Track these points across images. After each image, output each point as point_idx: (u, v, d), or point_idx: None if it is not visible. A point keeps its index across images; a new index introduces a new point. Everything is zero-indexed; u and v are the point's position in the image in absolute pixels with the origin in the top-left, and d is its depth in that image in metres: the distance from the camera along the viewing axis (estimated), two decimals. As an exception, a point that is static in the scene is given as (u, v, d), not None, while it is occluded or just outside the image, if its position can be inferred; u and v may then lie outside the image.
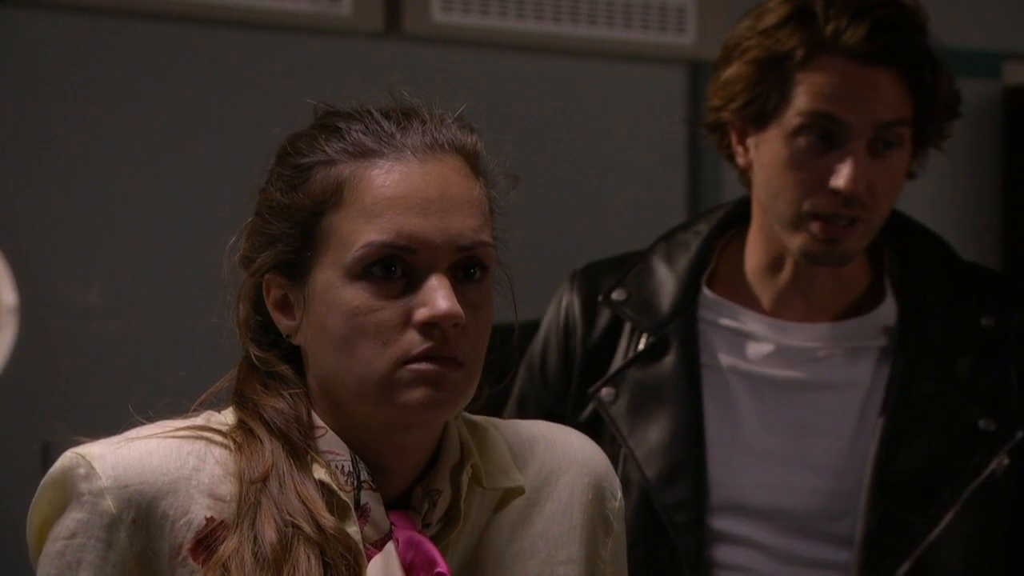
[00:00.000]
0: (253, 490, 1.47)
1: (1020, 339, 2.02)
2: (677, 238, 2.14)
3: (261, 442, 1.49)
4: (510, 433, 1.61)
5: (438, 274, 1.50)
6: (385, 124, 1.56)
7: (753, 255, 2.06)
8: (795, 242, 1.97)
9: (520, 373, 2.17)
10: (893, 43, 1.95)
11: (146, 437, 1.50)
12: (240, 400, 1.53)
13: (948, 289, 2.04)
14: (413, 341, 1.47)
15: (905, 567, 1.92)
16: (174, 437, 1.50)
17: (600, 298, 2.12)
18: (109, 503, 1.47)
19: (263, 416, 1.50)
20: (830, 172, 1.93)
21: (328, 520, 1.45)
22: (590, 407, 2.08)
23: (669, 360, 2.04)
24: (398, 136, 1.55)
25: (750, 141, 2.01)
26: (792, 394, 2.00)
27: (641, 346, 2.07)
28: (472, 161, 1.61)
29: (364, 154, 1.53)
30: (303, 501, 1.45)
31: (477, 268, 1.53)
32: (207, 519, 1.47)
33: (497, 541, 1.55)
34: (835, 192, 1.93)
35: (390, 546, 1.47)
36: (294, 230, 1.52)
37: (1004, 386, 1.99)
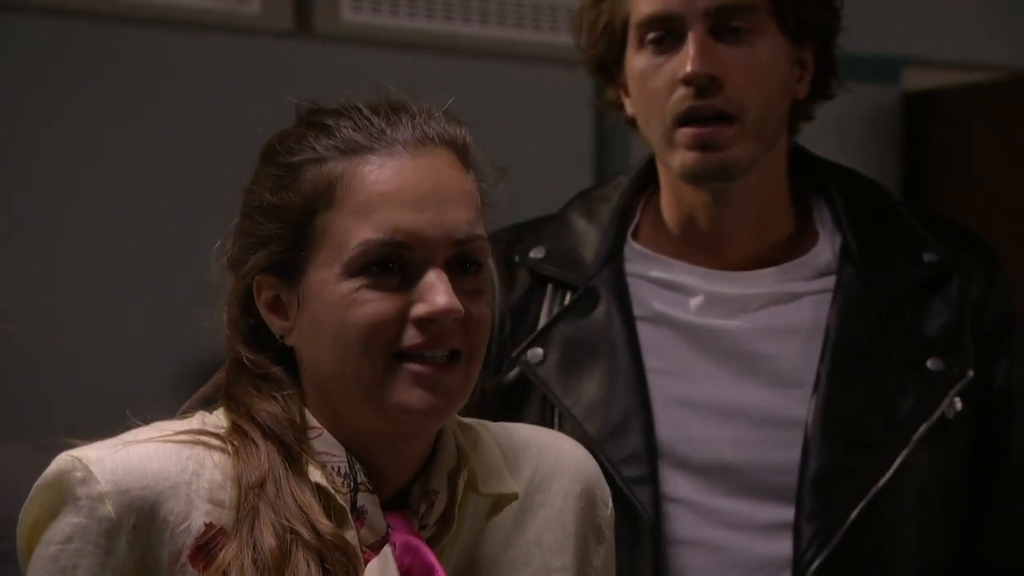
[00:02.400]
0: (251, 495, 1.45)
1: (968, 277, 1.95)
2: (594, 194, 2.07)
3: (256, 446, 1.47)
4: (502, 437, 1.59)
5: (436, 269, 1.48)
6: (374, 120, 1.57)
7: (668, 208, 1.98)
8: (674, 161, 1.89)
9: None
10: None
11: (144, 441, 1.48)
12: (231, 403, 1.51)
13: (885, 228, 1.96)
14: (409, 335, 1.46)
15: (855, 513, 1.84)
16: (173, 441, 1.48)
17: (517, 259, 2.04)
18: (109, 508, 1.45)
19: (256, 419, 1.48)
20: (679, 69, 1.86)
21: (326, 526, 1.43)
22: (515, 371, 1.97)
23: (600, 312, 1.95)
24: (388, 131, 1.55)
25: (625, 82, 1.95)
26: (729, 343, 1.91)
27: (567, 301, 1.99)
28: (462, 154, 1.62)
29: (355, 150, 1.52)
30: (300, 506, 1.44)
31: (472, 263, 1.52)
32: (206, 525, 1.45)
33: (491, 548, 1.53)
34: (685, 83, 1.85)
35: (387, 550, 1.46)
36: (285, 230, 1.51)
37: (953, 326, 1.92)
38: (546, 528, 1.56)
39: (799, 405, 1.88)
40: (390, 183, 1.50)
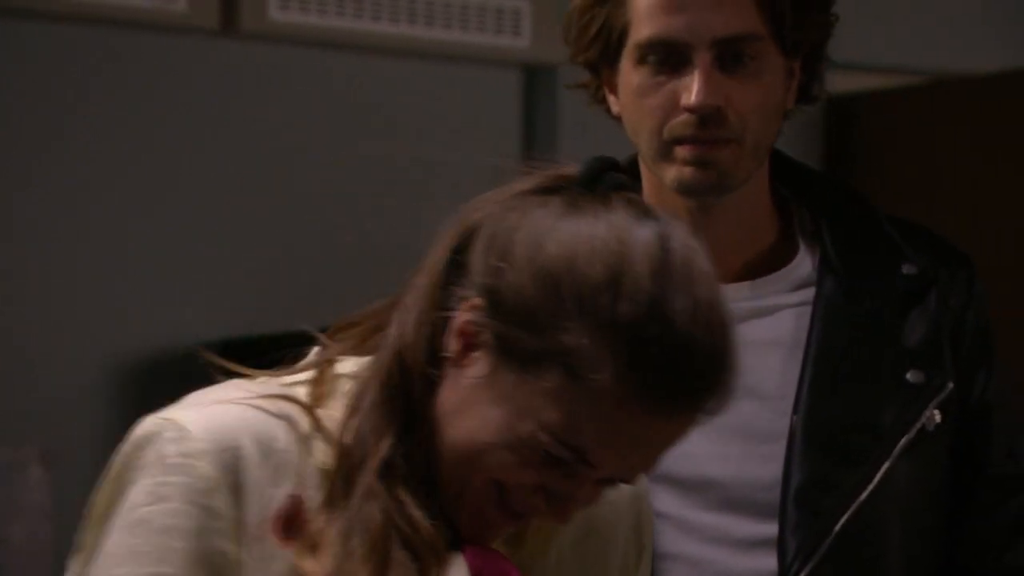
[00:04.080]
0: (351, 475, 1.39)
1: (948, 289, 1.94)
2: None
3: (376, 432, 1.41)
4: None
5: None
6: None
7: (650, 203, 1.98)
8: (669, 175, 1.85)
9: None
10: None
11: (235, 402, 1.42)
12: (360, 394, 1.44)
13: (865, 239, 1.94)
14: None
15: (839, 526, 1.83)
16: (262, 408, 1.42)
17: None
18: (207, 466, 1.39)
19: (383, 413, 1.43)
20: (681, 93, 1.83)
21: (422, 519, 1.39)
22: None
23: None
24: None
25: (616, 84, 1.90)
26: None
27: None
28: None
29: None
30: (398, 497, 1.39)
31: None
32: (292, 496, 1.39)
33: (558, 558, 1.51)
34: (689, 112, 1.82)
35: (460, 558, 1.42)
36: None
37: (932, 338, 1.91)
38: (603, 540, 1.55)
39: (781, 418, 1.87)
40: None
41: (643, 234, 1.40)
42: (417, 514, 1.39)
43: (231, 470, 1.39)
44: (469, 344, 1.42)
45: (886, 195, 3.94)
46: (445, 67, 3.80)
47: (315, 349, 1.52)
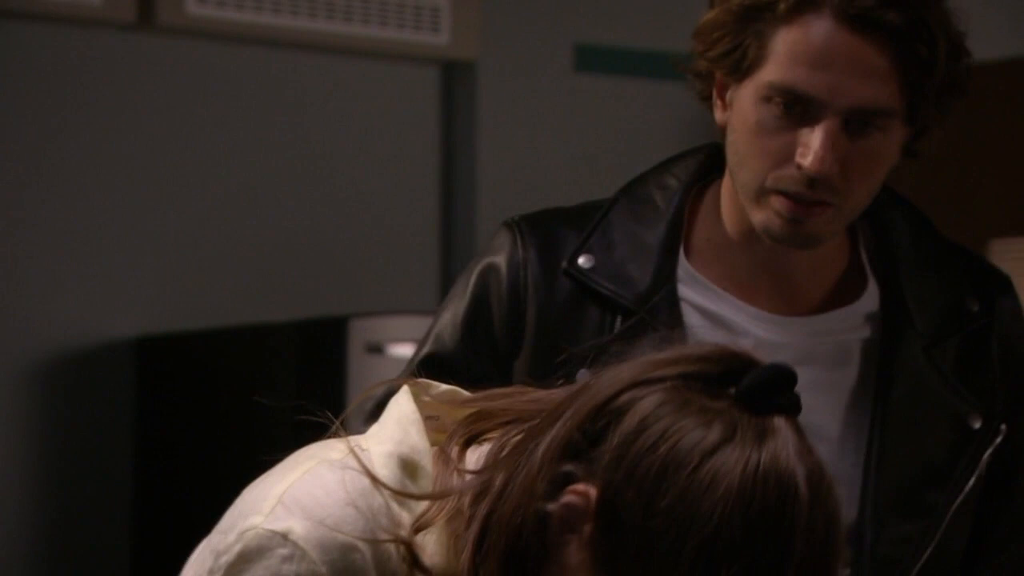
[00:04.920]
0: None
1: (1004, 325, 1.87)
2: (640, 194, 1.87)
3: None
4: None
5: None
6: None
7: (727, 222, 1.84)
8: (757, 217, 1.77)
9: (434, 336, 1.87)
10: (887, 5, 1.73)
11: (344, 505, 1.34)
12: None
13: (932, 269, 1.86)
14: None
15: None
16: (372, 518, 1.34)
17: (565, 263, 1.83)
18: None
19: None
20: (798, 146, 1.73)
21: None
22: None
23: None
24: None
25: (729, 95, 1.79)
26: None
27: (617, 324, 1.81)
28: None
29: None
30: None
31: None
32: None
33: None
34: (800, 169, 1.73)
35: None
36: None
37: (988, 378, 1.85)
38: None
39: (846, 462, 1.81)
40: None
41: (795, 496, 1.27)
42: None
43: None
44: (568, 525, 1.32)
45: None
46: (364, 63, 3.80)
47: (398, 402, 1.41)
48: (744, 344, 1.60)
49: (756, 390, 1.30)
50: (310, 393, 3.29)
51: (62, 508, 3.56)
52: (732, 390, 1.30)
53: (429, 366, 1.81)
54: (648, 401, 1.30)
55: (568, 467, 1.30)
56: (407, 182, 3.85)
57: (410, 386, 1.42)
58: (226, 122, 3.72)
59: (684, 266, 1.84)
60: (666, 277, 1.82)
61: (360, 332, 3.26)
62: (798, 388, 1.32)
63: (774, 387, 1.31)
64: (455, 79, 3.85)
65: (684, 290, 1.83)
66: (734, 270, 1.83)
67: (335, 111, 3.80)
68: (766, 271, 1.82)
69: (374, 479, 1.34)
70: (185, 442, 3.51)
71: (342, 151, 3.81)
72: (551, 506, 1.29)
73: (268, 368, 3.42)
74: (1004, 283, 1.90)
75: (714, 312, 1.83)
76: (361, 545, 1.32)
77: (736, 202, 1.80)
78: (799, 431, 1.30)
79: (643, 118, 3.99)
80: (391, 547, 1.33)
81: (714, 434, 1.28)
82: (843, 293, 1.85)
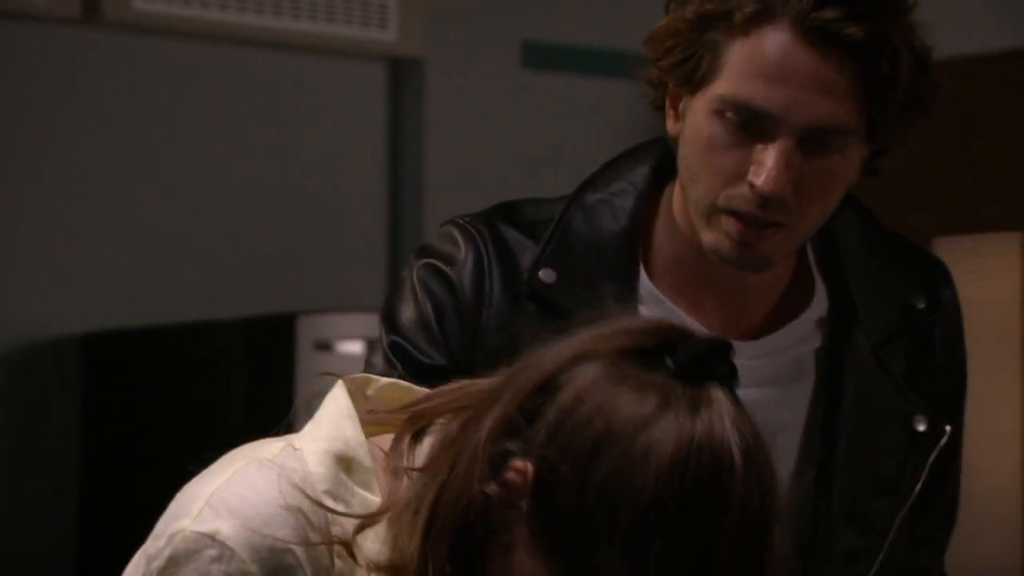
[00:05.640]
0: None
1: (945, 320, 1.82)
2: (593, 200, 1.79)
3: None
4: None
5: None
6: None
7: (680, 235, 1.76)
8: (707, 237, 1.69)
9: (393, 324, 1.78)
10: (848, 18, 1.64)
11: (276, 507, 1.33)
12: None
13: (877, 266, 1.80)
14: None
15: None
16: (303, 513, 1.34)
17: (526, 275, 1.76)
18: None
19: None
20: (752, 163, 1.65)
21: None
22: None
23: None
24: None
25: (681, 106, 1.71)
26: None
27: None
28: None
29: None
30: None
31: None
32: None
33: None
34: (752, 187, 1.65)
35: None
36: None
37: (933, 377, 1.80)
38: None
39: (804, 481, 1.77)
40: None
41: (729, 467, 1.26)
42: None
43: None
44: (508, 503, 1.31)
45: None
46: (311, 59, 3.79)
47: (334, 398, 1.40)
48: None
49: (691, 361, 1.29)
50: (258, 390, 3.28)
51: (7, 507, 3.54)
52: (668, 362, 1.29)
53: (396, 351, 1.76)
54: (584, 376, 1.29)
55: (508, 446, 1.29)
56: (355, 179, 3.84)
57: (349, 381, 1.41)
58: (171, 119, 3.70)
59: (645, 284, 1.78)
60: (628, 295, 1.76)
61: (308, 329, 3.26)
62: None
63: (709, 357, 1.30)
64: (402, 76, 3.85)
65: (646, 310, 1.77)
66: (688, 286, 1.78)
67: (281, 108, 3.79)
68: (718, 287, 1.76)
69: (304, 493, 1.33)
70: (132, 439, 3.50)
71: (289, 148, 3.80)
72: (492, 486, 1.29)
73: (216, 365, 3.41)
74: (945, 274, 1.85)
75: None
76: (291, 543, 1.32)
77: (688, 215, 1.74)
78: (736, 401, 1.29)
79: (592, 116, 3.99)
80: (324, 549, 1.32)
81: (648, 406, 1.27)
82: (793, 301, 1.80)
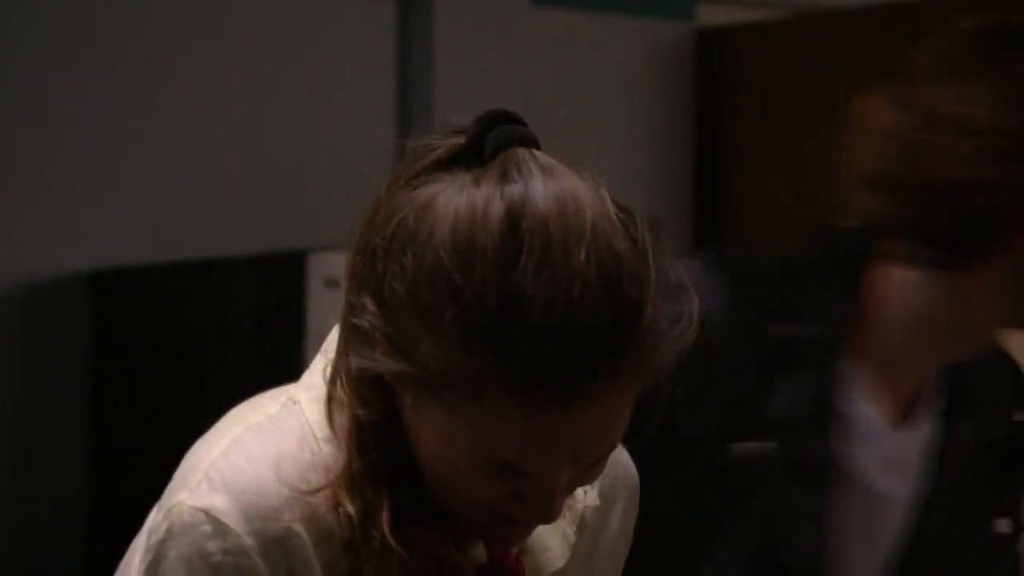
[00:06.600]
0: (377, 535, 1.32)
1: None
2: (814, 280, 1.78)
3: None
4: None
5: None
6: None
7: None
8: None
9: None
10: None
11: (271, 479, 1.33)
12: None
13: (989, 373, 1.85)
14: None
15: None
16: (297, 481, 1.33)
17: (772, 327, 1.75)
18: (257, 561, 1.31)
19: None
20: None
21: (445, 554, 1.33)
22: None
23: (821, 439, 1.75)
24: None
25: None
26: (894, 511, 1.80)
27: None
28: None
29: None
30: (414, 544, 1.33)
31: None
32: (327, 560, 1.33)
33: (575, 564, 1.44)
34: None
35: None
36: None
37: (1019, 483, 1.86)
38: (610, 548, 1.48)
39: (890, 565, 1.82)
40: None
41: (492, 220, 1.27)
42: (439, 551, 1.33)
43: (281, 557, 1.32)
44: (370, 342, 1.32)
45: (756, 128, 3.97)
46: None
47: (331, 341, 1.39)
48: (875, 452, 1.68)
49: (473, 139, 1.32)
50: (269, 327, 3.29)
51: (18, 446, 3.56)
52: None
53: None
54: (393, 196, 1.33)
55: (362, 299, 1.31)
56: (364, 117, 3.84)
57: None
58: (181, 55, 3.70)
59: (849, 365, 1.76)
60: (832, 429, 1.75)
61: (319, 266, 3.26)
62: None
63: (488, 125, 1.33)
64: (411, 13, 3.83)
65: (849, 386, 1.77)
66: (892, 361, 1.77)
67: (291, 45, 3.78)
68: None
69: (300, 452, 1.31)
70: (142, 377, 3.51)
71: (299, 85, 3.79)
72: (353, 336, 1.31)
73: (226, 302, 3.41)
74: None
75: (863, 414, 1.78)
76: (287, 510, 1.32)
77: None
78: (511, 164, 1.30)
79: (601, 54, 3.98)
80: (324, 502, 1.32)
81: (447, 187, 1.30)
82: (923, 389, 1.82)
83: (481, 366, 1.26)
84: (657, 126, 4.08)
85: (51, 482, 3.57)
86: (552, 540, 1.40)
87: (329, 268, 3.27)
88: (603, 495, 1.44)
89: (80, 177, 3.61)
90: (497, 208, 1.27)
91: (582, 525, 1.44)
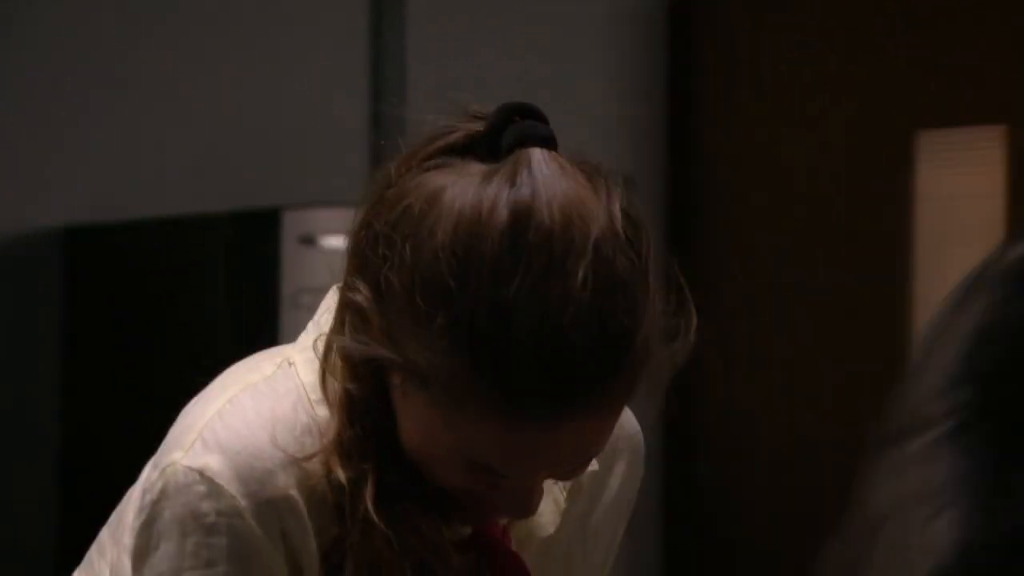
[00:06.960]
0: (363, 508, 1.32)
1: None
2: None
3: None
4: None
5: None
6: None
7: None
8: None
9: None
10: None
11: (265, 442, 1.33)
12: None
13: None
14: None
15: None
16: (289, 442, 1.33)
17: None
18: (250, 522, 1.32)
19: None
20: None
21: (428, 530, 1.34)
22: None
23: None
24: None
25: None
26: None
27: None
28: None
29: None
30: (400, 519, 1.33)
31: None
32: (320, 526, 1.34)
33: (567, 529, 1.45)
34: None
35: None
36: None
37: None
38: (609, 510, 1.48)
39: None
40: None
41: (495, 228, 1.25)
42: (422, 525, 1.33)
43: (275, 519, 1.32)
44: (363, 325, 1.32)
45: (729, 93, 3.95)
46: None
47: (327, 305, 1.39)
48: None
49: (489, 132, 1.30)
50: (243, 284, 3.29)
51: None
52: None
53: None
54: (398, 184, 1.31)
55: (359, 281, 1.31)
56: (337, 72, 3.83)
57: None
58: (156, 16, 3.68)
59: None
60: None
61: (293, 223, 3.26)
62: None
63: (506, 120, 1.30)
64: (383, 4, 3.82)
65: None
66: None
67: (265, 5, 3.77)
68: None
69: (296, 414, 1.32)
70: (114, 335, 3.51)
71: (272, 41, 3.78)
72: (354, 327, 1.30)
73: (200, 260, 3.41)
74: None
75: None
76: (282, 473, 1.32)
77: None
78: (520, 165, 1.27)
79: (576, 9, 3.98)
80: (318, 467, 1.33)
81: (456, 180, 1.28)
82: None
83: (465, 377, 1.26)
84: (632, 90, 4.08)
85: (22, 440, 3.56)
86: (543, 506, 1.39)
87: (304, 225, 3.27)
88: (602, 458, 1.42)
89: (53, 133, 3.60)
90: (501, 214, 1.26)
91: (576, 490, 1.44)
